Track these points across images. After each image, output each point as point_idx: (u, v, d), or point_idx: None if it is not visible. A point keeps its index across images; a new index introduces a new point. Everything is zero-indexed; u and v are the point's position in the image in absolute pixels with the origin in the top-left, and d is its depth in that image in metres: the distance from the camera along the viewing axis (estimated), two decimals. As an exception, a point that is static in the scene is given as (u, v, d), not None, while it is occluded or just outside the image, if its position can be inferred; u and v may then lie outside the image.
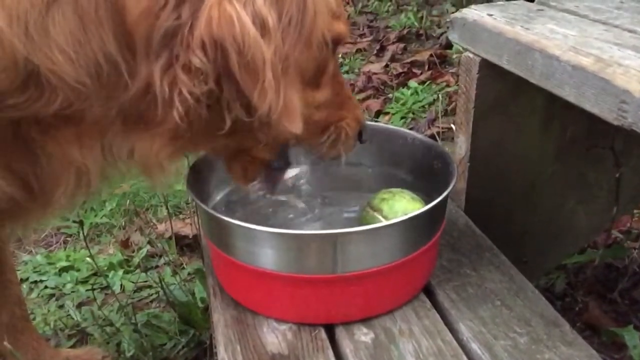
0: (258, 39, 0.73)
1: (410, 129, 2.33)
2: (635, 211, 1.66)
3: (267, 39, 0.74)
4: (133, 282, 1.75)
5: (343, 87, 1.01)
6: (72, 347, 1.51)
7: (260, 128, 0.85)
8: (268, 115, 0.79)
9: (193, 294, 1.55)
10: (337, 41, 0.90)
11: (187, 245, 1.88)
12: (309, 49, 0.82)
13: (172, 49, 0.75)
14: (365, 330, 0.96)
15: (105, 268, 1.79)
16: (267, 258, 0.95)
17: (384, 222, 0.99)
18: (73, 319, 1.62)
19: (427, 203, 1.02)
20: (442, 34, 3.32)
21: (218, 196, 1.19)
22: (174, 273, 1.69)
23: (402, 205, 1.02)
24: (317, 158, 1.05)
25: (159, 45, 0.75)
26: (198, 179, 1.08)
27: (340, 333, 0.96)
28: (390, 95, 2.79)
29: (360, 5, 4.12)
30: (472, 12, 1.19)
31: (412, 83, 2.83)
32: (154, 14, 0.73)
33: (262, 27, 0.74)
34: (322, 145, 1.01)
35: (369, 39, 3.60)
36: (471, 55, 1.19)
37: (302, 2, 0.77)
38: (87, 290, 1.73)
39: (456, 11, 1.23)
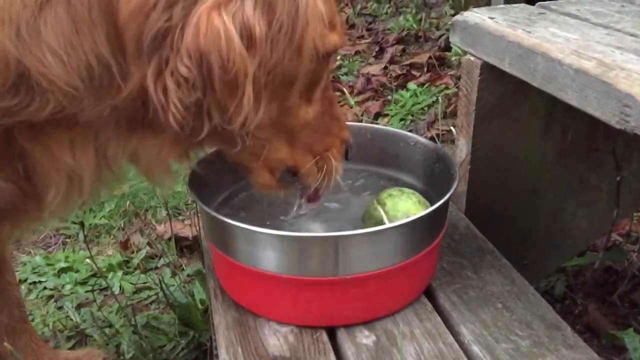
0: (243, 54, 0.73)
1: (410, 131, 2.32)
2: (635, 214, 1.66)
3: (252, 51, 0.74)
4: (132, 284, 1.74)
5: (333, 105, 1.00)
6: (71, 348, 1.51)
7: (238, 134, 0.84)
8: (240, 129, 0.79)
9: (193, 295, 1.54)
10: (331, 51, 0.89)
11: (186, 246, 1.88)
12: (299, 58, 0.81)
13: (162, 53, 0.74)
14: (366, 332, 0.96)
15: (105, 269, 1.79)
16: (269, 260, 0.95)
17: (386, 225, 0.99)
18: (72, 320, 1.62)
19: (429, 206, 1.02)
20: (440, 36, 3.32)
21: (219, 197, 1.19)
22: (174, 274, 1.69)
23: (406, 206, 1.02)
24: (305, 192, 1.04)
25: (150, 48, 0.74)
26: (199, 180, 1.08)
27: (342, 336, 0.96)
28: (389, 97, 2.79)
29: (359, 7, 4.12)
30: (473, 15, 1.19)
31: (411, 85, 2.83)
32: (144, 13, 0.73)
33: (249, 38, 0.73)
34: (308, 175, 0.99)
35: (368, 41, 3.60)
36: (472, 58, 1.19)
37: (293, 10, 0.76)
38: (86, 291, 1.73)
39: (454, 14, 1.23)
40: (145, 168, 0.89)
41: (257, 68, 0.75)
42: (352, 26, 3.83)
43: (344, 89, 2.71)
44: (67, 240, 2.00)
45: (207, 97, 0.77)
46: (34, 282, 1.79)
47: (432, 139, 2.17)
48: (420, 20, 3.56)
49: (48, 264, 1.85)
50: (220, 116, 0.79)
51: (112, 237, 2.00)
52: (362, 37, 3.70)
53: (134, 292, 1.72)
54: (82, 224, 1.70)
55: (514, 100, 1.22)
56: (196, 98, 0.76)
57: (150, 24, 0.73)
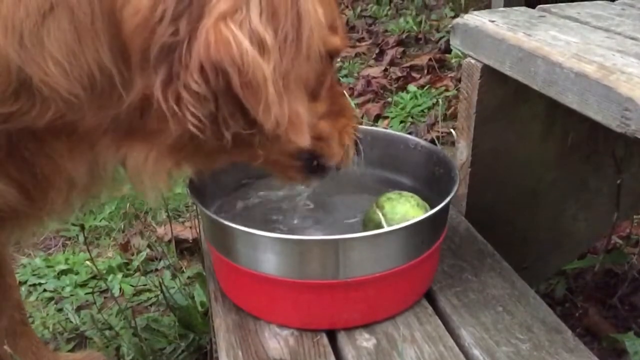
0: (256, 57, 0.73)
1: (410, 133, 2.33)
2: (635, 217, 1.66)
3: (265, 56, 0.74)
4: (132, 286, 1.74)
5: (342, 96, 1.02)
6: (71, 351, 1.51)
7: (262, 144, 0.84)
8: (275, 130, 0.78)
9: (193, 297, 1.55)
10: (334, 54, 0.90)
11: (186, 248, 1.88)
12: (308, 63, 0.81)
13: (171, 65, 0.74)
14: (367, 336, 0.96)
15: (105, 271, 1.79)
16: (270, 263, 0.95)
17: (386, 229, 0.99)
18: (72, 322, 1.62)
19: (429, 210, 1.02)
20: (440, 38, 3.32)
21: (220, 200, 1.19)
22: (174, 277, 1.69)
23: (404, 209, 1.02)
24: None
25: (156, 60, 0.74)
26: (200, 182, 1.08)
27: (342, 339, 0.96)
28: (389, 99, 2.80)
29: (359, 9, 4.12)
30: (474, 18, 1.19)
31: (411, 87, 2.83)
32: (150, 27, 0.73)
33: (260, 45, 0.74)
34: (336, 152, 1.00)
35: (368, 43, 3.60)
36: (473, 61, 1.19)
37: (296, 17, 0.77)
38: (86, 293, 1.73)
39: (455, 16, 1.23)
40: (135, 175, 0.89)
41: (273, 72, 0.75)
42: (352, 28, 3.84)
43: (344, 91, 2.71)
44: (67, 242, 2.01)
45: (224, 108, 0.77)
46: (34, 284, 1.79)
47: (432, 141, 2.17)
48: (421, 22, 3.56)
49: (48, 266, 1.85)
50: (245, 124, 0.79)
51: (112, 239, 2.00)
52: (362, 39, 3.70)
53: (134, 295, 1.72)
54: (82, 226, 1.71)
55: (514, 103, 1.22)
56: (209, 110, 0.76)
57: (157, 38, 0.73)
